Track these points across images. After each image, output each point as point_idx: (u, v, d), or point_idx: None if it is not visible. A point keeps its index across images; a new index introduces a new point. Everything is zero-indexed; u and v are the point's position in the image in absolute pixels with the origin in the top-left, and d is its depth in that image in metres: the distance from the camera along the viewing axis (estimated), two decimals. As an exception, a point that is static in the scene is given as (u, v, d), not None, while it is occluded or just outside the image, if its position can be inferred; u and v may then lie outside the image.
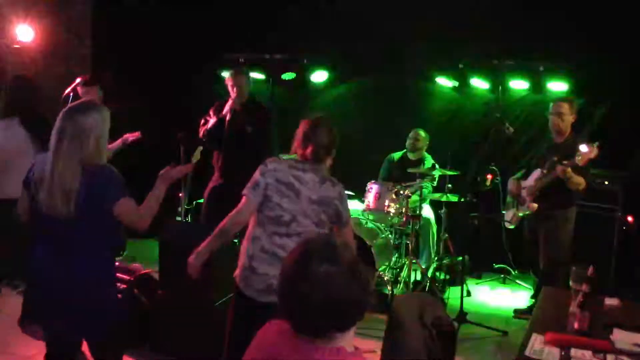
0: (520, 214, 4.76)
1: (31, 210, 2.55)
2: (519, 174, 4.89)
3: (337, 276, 1.47)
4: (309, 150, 2.77)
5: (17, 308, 3.56)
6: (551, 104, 4.64)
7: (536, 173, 4.64)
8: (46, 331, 2.69)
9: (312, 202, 2.73)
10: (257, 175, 2.78)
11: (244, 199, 2.78)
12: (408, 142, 5.81)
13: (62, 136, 2.45)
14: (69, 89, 4.50)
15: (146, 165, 3.90)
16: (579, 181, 4.32)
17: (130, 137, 4.68)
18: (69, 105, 2.59)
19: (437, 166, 5.46)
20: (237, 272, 2.81)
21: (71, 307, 2.48)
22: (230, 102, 4.79)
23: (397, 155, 5.91)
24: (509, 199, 4.94)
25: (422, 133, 5.80)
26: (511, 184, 4.87)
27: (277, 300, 1.54)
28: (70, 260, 2.48)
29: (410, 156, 5.82)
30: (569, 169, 4.24)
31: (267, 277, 2.66)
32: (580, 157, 4.17)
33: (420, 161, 5.73)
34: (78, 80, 4.62)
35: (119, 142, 4.58)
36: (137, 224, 2.56)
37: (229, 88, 4.83)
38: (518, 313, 4.88)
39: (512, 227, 4.94)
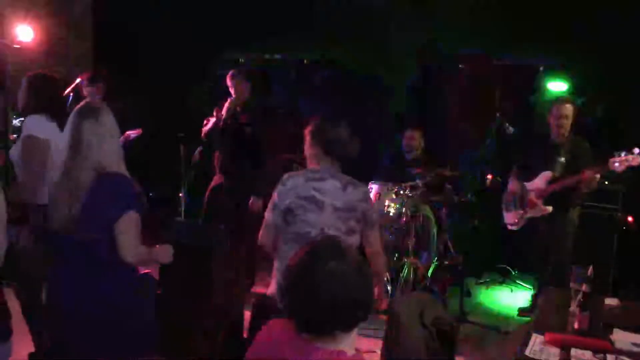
0: (528, 216, 4.65)
1: (45, 240, 2.38)
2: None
3: (344, 274, 1.48)
4: (320, 151, 2.77)
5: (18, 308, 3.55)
6: (555, 105, 4.57)
7: (546, 175, 4.53)
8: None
9: (337, 210, 2.69)
10: (274, 196, 2.76)
11: (264, 221, 2.78)
12: (404, 142, 5.81)
13: (77, 141, 2.32)
14: (69, 89, 4.49)
15: (146, 165, 3.90)
16: (595, 187, 4.33)
17: (133, 134, 4.65)
18: (78, 108, 2.44)
19: (435, 166, 5.44)
20: (272, 290, 2.79)
21: (101, 330, 2.33)
22: (228, 103, 4.79)
23: (393, 155, 5.91)
24: (510, 199, 4.83)
25: (417, 132, 5.79)
26: (513, 185, 4.76)
27: (283, 299, 1.55)
28: (95, 281, 2.33)
29: (407, 156, 5.81)
30: (598, 176, 4.22)
31: None
32: (617, 164, 4.09)
33: (417, 160, 5.72)
34: (78, 80, 4.61)
35: (120, 140, 4.53)
36: (129, 248, 2.32)
37: (229, 88, 4.83)
38: (522, 311, 4.89)
39: (515, 228, 4.83)
